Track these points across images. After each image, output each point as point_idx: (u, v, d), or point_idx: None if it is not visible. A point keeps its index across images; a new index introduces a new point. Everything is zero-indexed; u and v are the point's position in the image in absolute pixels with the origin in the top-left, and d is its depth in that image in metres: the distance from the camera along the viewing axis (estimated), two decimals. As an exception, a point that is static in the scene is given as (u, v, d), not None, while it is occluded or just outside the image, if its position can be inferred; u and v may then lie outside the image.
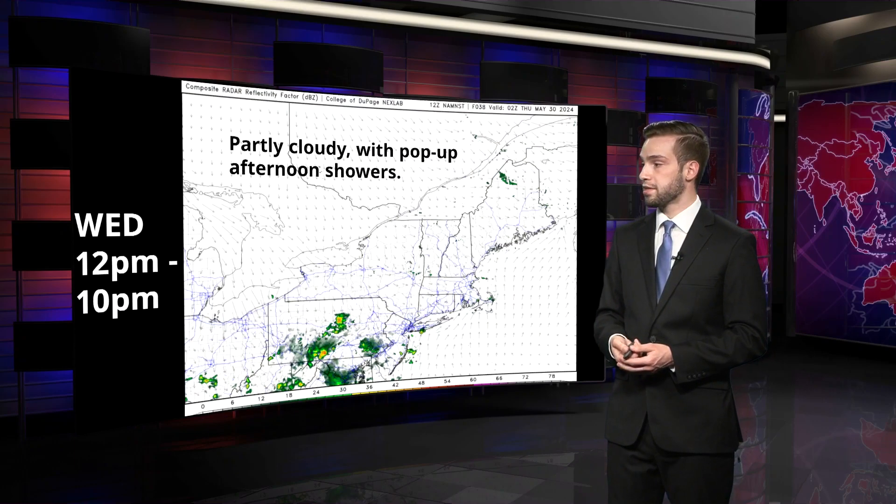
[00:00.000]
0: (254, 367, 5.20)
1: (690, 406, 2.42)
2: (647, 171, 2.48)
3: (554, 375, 6.02)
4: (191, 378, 4.93)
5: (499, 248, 5.89)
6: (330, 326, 5.46)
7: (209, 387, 5.01)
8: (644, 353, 2.37)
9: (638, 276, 2.50)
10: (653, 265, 2.49)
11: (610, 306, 2.62)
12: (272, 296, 5.25)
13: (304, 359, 5.39)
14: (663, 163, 2.45)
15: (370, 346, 5.59)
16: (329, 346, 5.47)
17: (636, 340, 2.41)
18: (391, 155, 5.62)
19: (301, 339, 5.37)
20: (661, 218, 2.53)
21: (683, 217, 2.49)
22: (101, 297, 4.56)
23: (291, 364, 5.35)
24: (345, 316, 5.50)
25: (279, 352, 5.29)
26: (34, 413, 5.41)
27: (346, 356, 5.54)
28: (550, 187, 5.95)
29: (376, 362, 5.63)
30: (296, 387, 5.38)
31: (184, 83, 4.88)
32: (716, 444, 2.43)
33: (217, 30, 5.94)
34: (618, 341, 2.43)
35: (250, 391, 5.20)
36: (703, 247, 2.45)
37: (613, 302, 2.61)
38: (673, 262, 2.46)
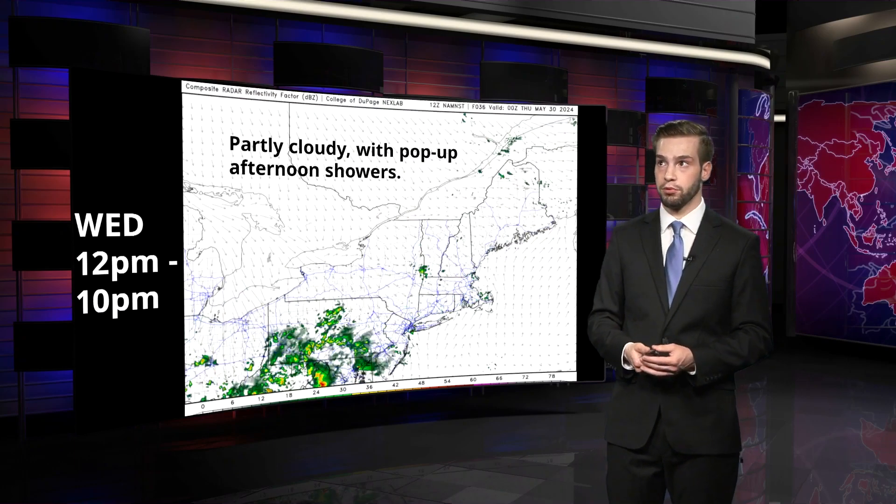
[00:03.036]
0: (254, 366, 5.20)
1: (703, 407, 2.42)
2: (672, 171, 2.44)
3: (554, 375, 6.02)
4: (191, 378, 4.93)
5: (499, 248, 5.89)
6: (330, 326, 5.45)
7: (209, 387, 5.01)
8: (666, 354, 2.34)
9: (645, 277, 2.48)
10: (662, 266, 2.47)
11: (608, 307, 2.58)
12: (273, 296, 5.25)
13: (305, 358, 5.39)
14: (689, 164, 2.43)
15: (365, 345, 5.59)
16: (329, 346, 5.46)
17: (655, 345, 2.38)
18: (391, 155, 5.62)
19: (301, 339, 5.36)
20: (667, 218, 2.51)
21: (692, 217, 2.48)
22: (101, 297, 4.56)
23: (291, 364, 5.34)
24: (345, 316, 5.49)
25: (279, 352, 5.29)
26: (34, 413, 5.41)
27: (346, 356, 5.53)
28: (550, 187, 5.96)
29: (376, 362, 5.62)
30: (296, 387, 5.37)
31: (184, 83, 4.88)
32: (726, 445, 2.45)
33: (217, 30, 5.94)
34: (639, 346, 2.39)
35: (250, 391, 5.20)
36: (714, 247, 2.44)
37: (612, 303, 2.58)
38: (684, 262, 2.45)
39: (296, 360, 5.35)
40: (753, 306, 2.45)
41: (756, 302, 2.45)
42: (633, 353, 2.39)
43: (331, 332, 5.46)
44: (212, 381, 5.02)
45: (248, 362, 5.17)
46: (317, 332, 5.41)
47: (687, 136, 2.43)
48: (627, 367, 2.43)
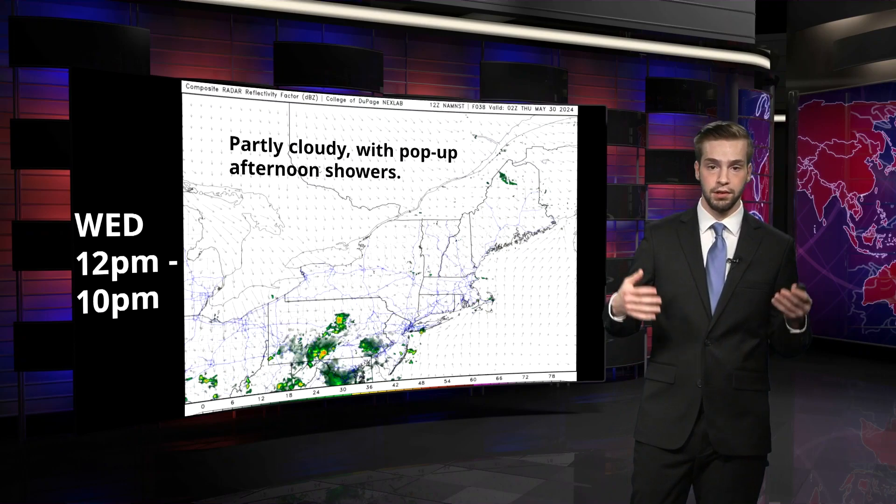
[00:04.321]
0: (254, 367, 5.20)
1: (744, 408, 2.43)
2: (726, 174, 2.43)
3: (554, 375, 6.02)
4: (191, 378, 4.94)
5: (499, 248, 5.89)
6: (330, 326, 5.46)
7: (209, 387, 5.01)
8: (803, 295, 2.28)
9: (685, 277, 2.47)
10: (702, 267, 2.46)
11: None
12: (272, 296, 5.25)
13: (304, 359, 5.39)
14: (740, 167, 2.44)
15: (370, 346, 5.59)
16: (329, 346, 5.47)
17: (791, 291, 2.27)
18: (391, 155, 5.62)
19: (301, 339, 5.37)
20: (707, 219, 2.50)
21: (733, 220, 2.48)
22: (101, 297, 4.56)
23: (291, 364, 5.35)
24: (345, 316, 5.50)
25: (279, 352, 5.30)
26: (34, 413, 5.41)
27: (346, 356, 5.54)
28: (550, 187, 5.96)
29: (376, 362, 5.63)
30: (296, 387, 5.38)
31: (184, 83, 4.88)
32: (764, 446, 2.47)
33: (217, 30, 5.94)
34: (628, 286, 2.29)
35: (250, 391, 5.20)
36: (757, 250, 2.45)
37: None
38: (728, 264, 2.44)
39: (298, 362, 5.36)
40: None
41: None
42: (625, 288, 2.30)
43: (334, 336, 5.46)
44: (212, 382, 5.02)
45: (246, 362, 5.18)
46: (319, 335, 5.42)
47: (739, 139, 2.43)
48: (615, 318, 2.40)
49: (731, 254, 2.45)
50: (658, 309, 2.29)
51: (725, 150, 2.42)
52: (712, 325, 2.42)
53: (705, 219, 2.51)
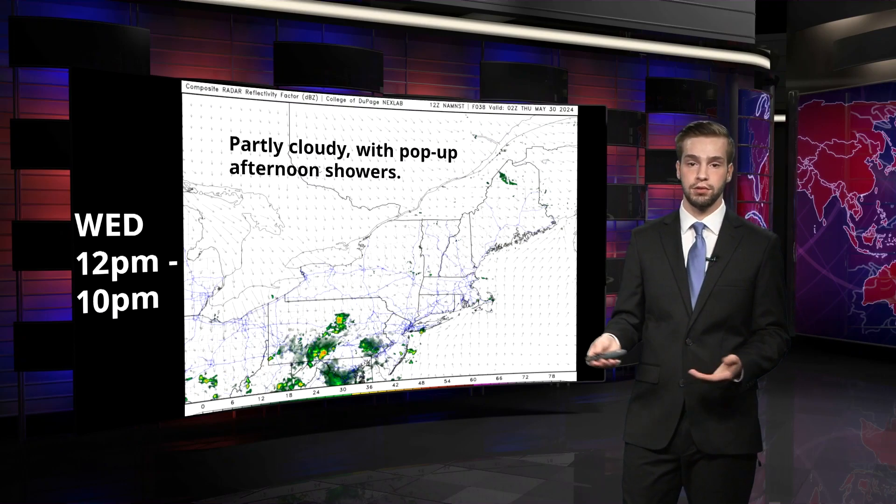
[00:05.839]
0: (254, 367, 5.20)
1: (729, 408, 2.43)
2: (705, 171, 2.44)
3: (554, 375, 6.02)
4: (191, 378, 4.94)
5: (499, 248, 5.89)
6: (330, 326, 5.46)
7: (209, 387, 5.01)
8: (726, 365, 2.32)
9: (667, 278, 2.48)
10: (683, 267, 2.47)
11: (624, 308, 2.59)
12: (272, 296, 5.25)
13: (304, 359, 5.40)
14: (720, 164, 2.44)
15: (370, 346, 5.59)
16: (329, 346, 5.47)
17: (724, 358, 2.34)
18: (391, 155, 5.62)
19: (301, 339, 5.37)
20: (688, 220, 2.51)
21: (713, 218, 2.49)
22: (101, 297, 4.56)
23: (291, 364, 5.35)
24: (345, 316, 5.50)
25: (279, 352, 5.30)
26: (34, 413, 5.41)
27: (346, 356, 5.54)
28: (550, 187, 5.96)
29: (376, 362, 5.63)
30: (296, 387, 5.38)
31: (184, 83, 4.88)
32: (752, 445, 2.47)
33: (217, 30, 5.94)
34: (603, 341, 2.37)
35: (250, 391, 5.20)
36: (737, 248, 2.45)
37: (629, 304, 2.58)
38: (707, 263, 2.45)
39: (298, 362, 5.36)
40: (777, 307, 2.46)
41: (778, 302, 2.47)
42: (598, 343, 2.36)
43: (334, 336, 5.47)
44: (212, 382, 5.02)
45: (246, 362, 5.18)
46: (319, 335, 5.42)
47: (718, 137, 2.45)
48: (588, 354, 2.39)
49: (710, 253, 2.46)
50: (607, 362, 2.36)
51: (705, 147, 2.44)
52: (692, 324, 2.42)
53: (686, 219, 2.52)
